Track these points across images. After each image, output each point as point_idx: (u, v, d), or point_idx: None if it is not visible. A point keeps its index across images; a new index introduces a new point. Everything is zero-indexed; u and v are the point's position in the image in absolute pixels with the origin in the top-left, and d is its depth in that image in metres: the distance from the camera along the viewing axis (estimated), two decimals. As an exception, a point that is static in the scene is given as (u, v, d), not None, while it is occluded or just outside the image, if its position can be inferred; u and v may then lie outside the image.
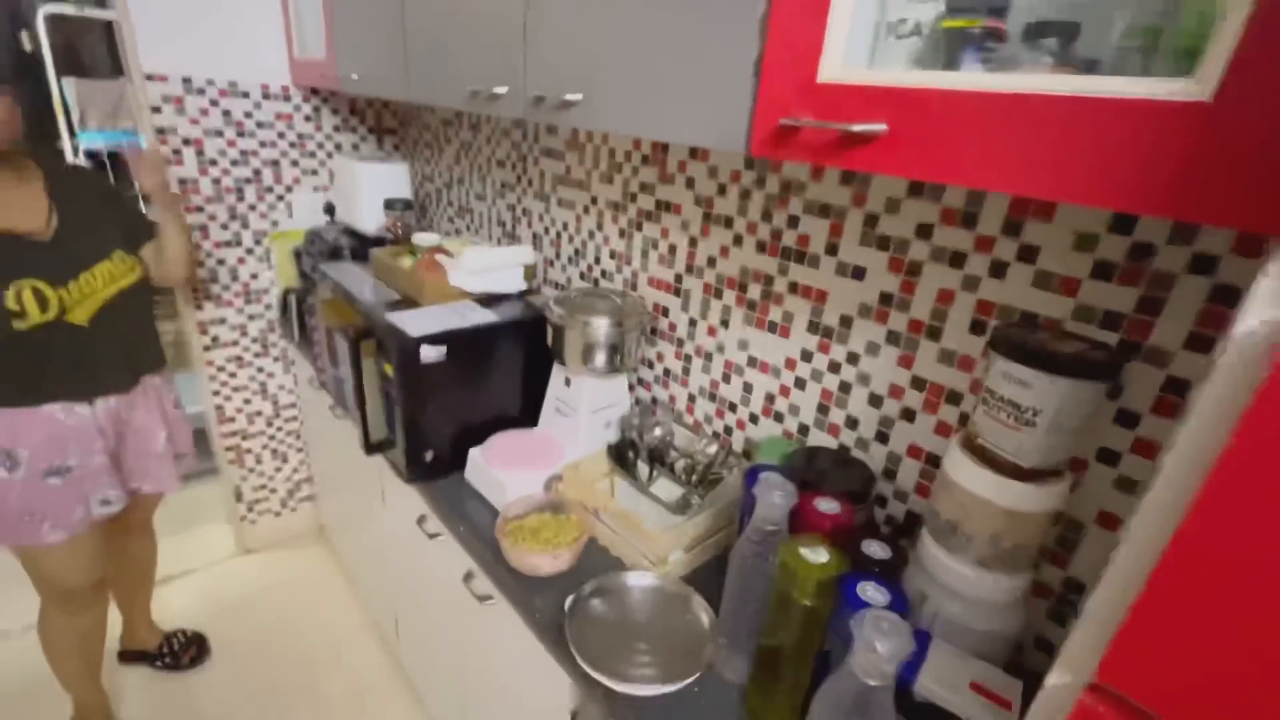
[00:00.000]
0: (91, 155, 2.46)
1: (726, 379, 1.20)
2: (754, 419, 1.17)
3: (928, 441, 0.91)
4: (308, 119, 1.87)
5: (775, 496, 0.77)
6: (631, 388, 1.39)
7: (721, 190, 1.11)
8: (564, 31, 0.85)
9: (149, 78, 1.61)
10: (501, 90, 0.96)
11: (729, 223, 1.11)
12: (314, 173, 1.93)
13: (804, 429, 1.08)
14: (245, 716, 1.64)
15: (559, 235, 1.51)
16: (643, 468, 1.19)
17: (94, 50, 2.64)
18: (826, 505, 0.84)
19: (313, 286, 1.59)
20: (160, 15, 1.58)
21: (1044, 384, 0.65)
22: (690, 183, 1.16)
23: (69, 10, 2.39)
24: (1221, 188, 0.37)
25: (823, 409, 1.05)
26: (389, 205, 1.58)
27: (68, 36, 2.53)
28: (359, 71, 1.40)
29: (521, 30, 0.91)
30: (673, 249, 1.23)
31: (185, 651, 1.75)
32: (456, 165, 1.84)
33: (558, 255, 1.53)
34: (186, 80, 1.65)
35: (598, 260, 1.42)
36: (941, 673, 0.73)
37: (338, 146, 1.95)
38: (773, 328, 1.09)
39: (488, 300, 1.34)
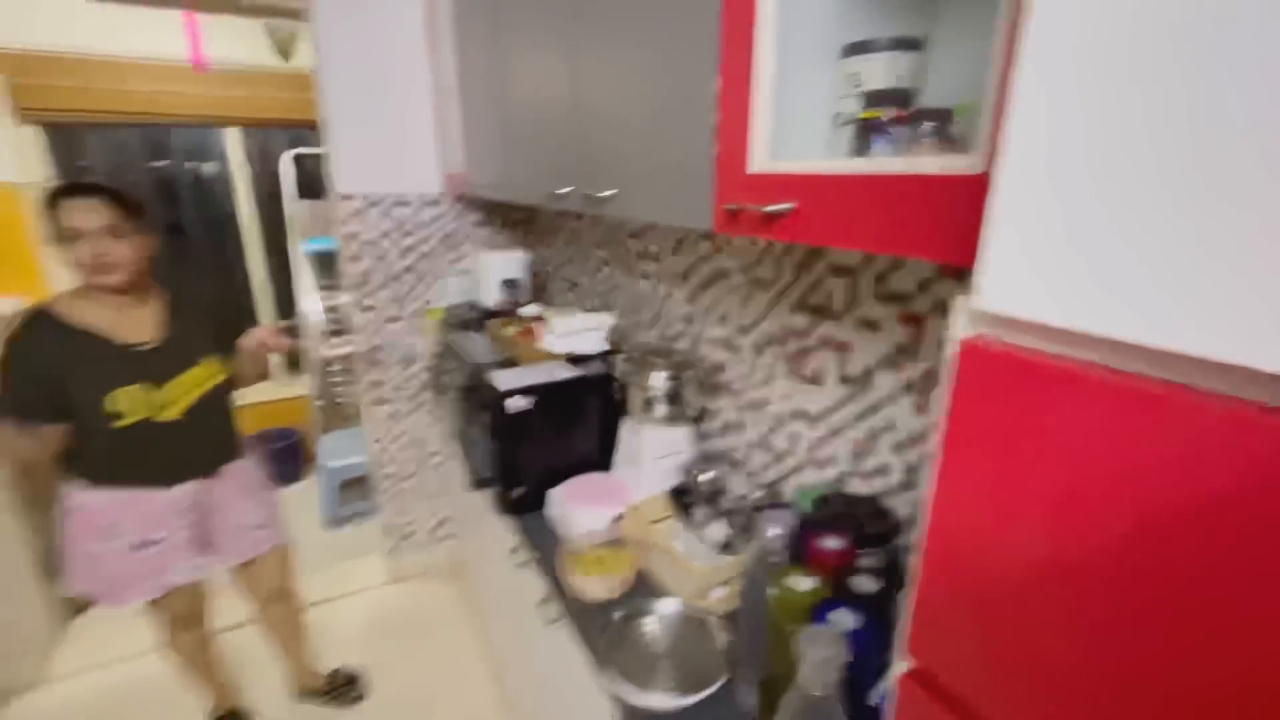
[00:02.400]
0: (317, 254, 3.17)
1: (775, 430, 1.28)
2: (800, 468, 1.23)
3: (946, 488, 0.92)
4: (455, 219, 2.30)
5: (771, 529, 0.85)
6: (698, 439, 1.51)
7: (759, 258, 1.23)
8: (600, 143, 1.06)
9: (344, 197, 2.12)
10: (566, 190, 1.20)
11: (767, 285, 1.22)
12: (459, 260, 2.35)
13: (842, 477, 1.12)
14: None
15: (644, 303, 1.71)
16: (698, 511, 1.29)
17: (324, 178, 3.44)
18: (831, 543, 0.89)
19: (449, 353, 1.93)
20: (352, 151, 2.09)
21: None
22: (736, 252, 1.30)
23: (306, 150, 3.18)
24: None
25: (857, 457, 1.09)
26: (503, 285, 1.90)
27: (309, 169, 3.34)
28: (482, 180, 1.75)
29: (577, 144, 1.14)
30: (726, 311, 1.36)
31: (347, 688, 1.98)
32: (567, 248, 2.14)
33: (640, 320, 1.73)
34: (367, 197, 2.15)
35: (670, 324, 1.59)
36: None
37: (479, 239, 2.36)
38: (810, 380, 1.16)
39: (575, 360, 1.55)
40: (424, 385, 2.41)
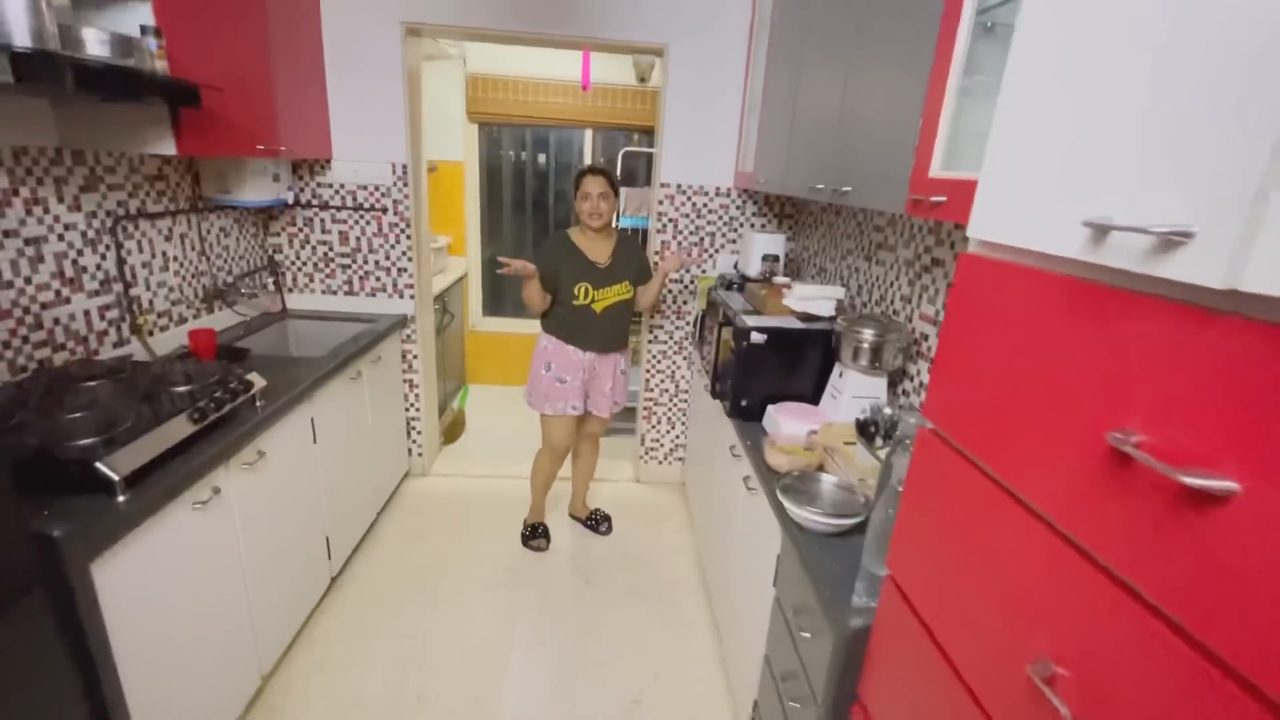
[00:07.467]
0: (628, 228, 4.11)
1: (956, 388, 1.59)
2: (969, 419, 1.53)
3: None
4: (738, 208, 2.91)
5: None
6: (899, 395, 1.86)
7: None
8: (850, 152, 1.52)
9: (661, 185, 2.87)
10: (821, 186, 1.67)
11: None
12: (734, 240, 2.96)
13: (998, 425, 1.41)
14: (608, 567, 2.63)
15: (874, 284, 2.09)
16: (879, 440, 1.67)
17: (643, 170, 4.37)
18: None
19: (713, 308, 2.53)
20: (674, 149, 2.82)
21: None
22: (952, 244, 1.63)
23: (635, 148, 4.12)
24: None
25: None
26: (764, 258, 2.43)
27: (631, 163, 4.30)
28: (764, 177, 2.30)
29: (836, 152, 1.61)
30: (937, 290, 1.70)
31: (601, 523, 2.85)
32: (823, 238, 2.58)
33: (870, 298, 2.11)
34: (679, 186, 2.86)
35: (893, 302, 1.95)
36: None
37: (752, 225, 2.94)
38: (988, 348, 1.46)
39: (807, 318, 2.01)
40: (686, 336, 3.08)
